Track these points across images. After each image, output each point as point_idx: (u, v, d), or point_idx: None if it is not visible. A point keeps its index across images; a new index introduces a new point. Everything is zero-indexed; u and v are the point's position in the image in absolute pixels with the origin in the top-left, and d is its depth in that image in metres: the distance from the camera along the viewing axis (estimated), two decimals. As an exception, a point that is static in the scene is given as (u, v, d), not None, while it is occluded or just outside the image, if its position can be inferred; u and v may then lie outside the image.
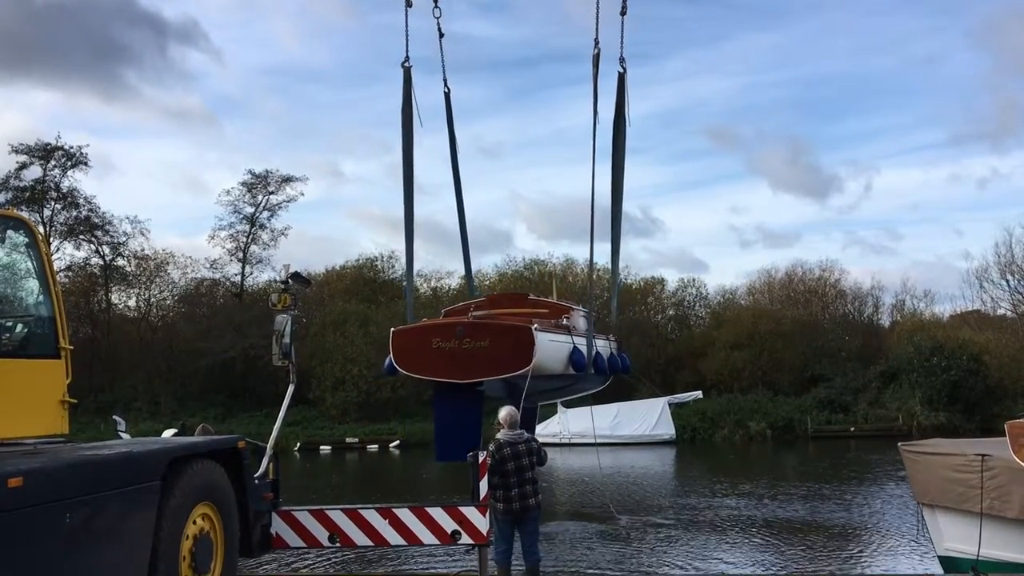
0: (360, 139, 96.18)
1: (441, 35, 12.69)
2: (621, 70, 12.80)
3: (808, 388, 49.82)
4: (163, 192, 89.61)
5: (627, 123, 12.92)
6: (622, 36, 12.56)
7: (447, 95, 12.92)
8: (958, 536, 10.77)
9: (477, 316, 11.15)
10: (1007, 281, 52.11)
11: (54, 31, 71.07)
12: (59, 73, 78.79)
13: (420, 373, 10.72)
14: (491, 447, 9.04)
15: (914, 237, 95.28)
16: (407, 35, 12.04)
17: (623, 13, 12.40)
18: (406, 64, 12.17)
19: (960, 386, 45.30)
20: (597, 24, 11.98)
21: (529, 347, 10.84)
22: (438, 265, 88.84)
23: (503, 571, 9.11)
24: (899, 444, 12.14)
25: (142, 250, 55.23)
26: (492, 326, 11.43)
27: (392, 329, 10.82)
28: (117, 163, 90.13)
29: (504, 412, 9.28)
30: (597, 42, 11.97)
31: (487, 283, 54.63)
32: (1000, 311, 53.75)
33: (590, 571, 13.79)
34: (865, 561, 14.61)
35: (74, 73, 79.11)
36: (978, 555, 10.36)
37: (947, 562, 11.07)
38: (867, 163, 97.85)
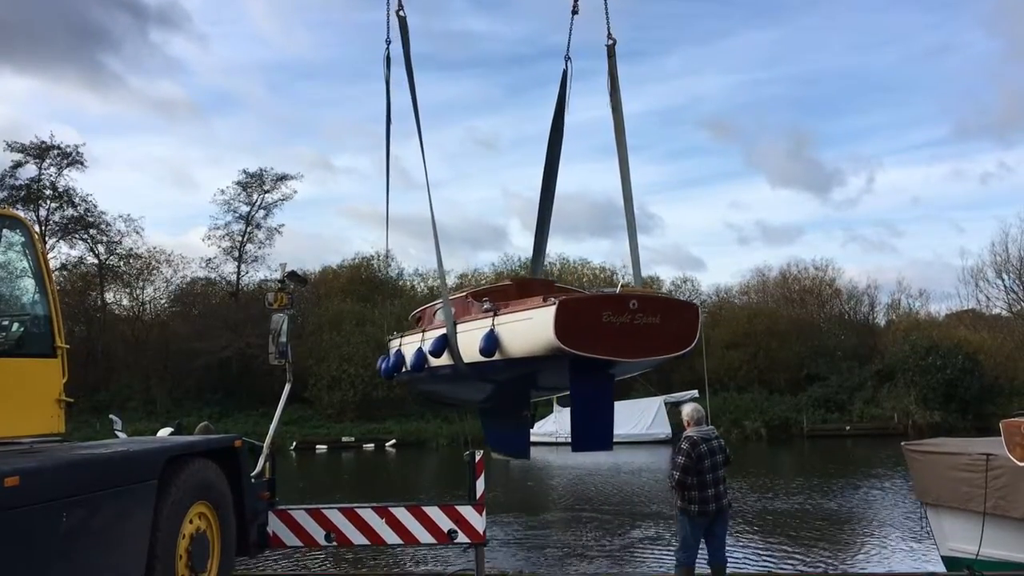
0: (350, 133, 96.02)
1: None
2: (564, 67, 12.81)
3: (804, 387, 49.93)
4: (149, 187, 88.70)
5: (564, 119, 12.65)
6: (570, 34, 12.55)
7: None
8: (962, 536, 10.72)
9: (630, 291, 10.17)
10: (1002, 280, 52.33)
11: (30, 14, 69.98)
12: (38, 60, 77.14)
13: (589, 351, 9.27)
14: (685, 445, 8.60)
15: (915, 235, 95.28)
16: None
17: (574, 12, 12.42)
18: (400, 13, 10.92)
19: (955, 385, 45.41)
20: (607, 16, 11.85)
21: (696, 325, 10.08)
22: (434, 263, 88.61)
23: (691, 574, 8.75)
24: (902, 444, 12.10)
25: (136, 248, 55.23)
26: (664, 301, 10.77)
27: (559, 299, 9.28)
28: (101, 157, 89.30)
29: (691, 408, 8.93)
30: (610, 34, 11.84)
31: (483, 282, 54.59)
32: (995, 310, 53.98)
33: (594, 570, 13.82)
34: (866, 559, 14.62)
35: (54, 60, 77.32)
36: (977, 554, 10.35)
37: (950, 562, 11.03)
38: (869, 158, 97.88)
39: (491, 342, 10.04)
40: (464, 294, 11.81)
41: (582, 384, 10.02)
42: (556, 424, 40.12)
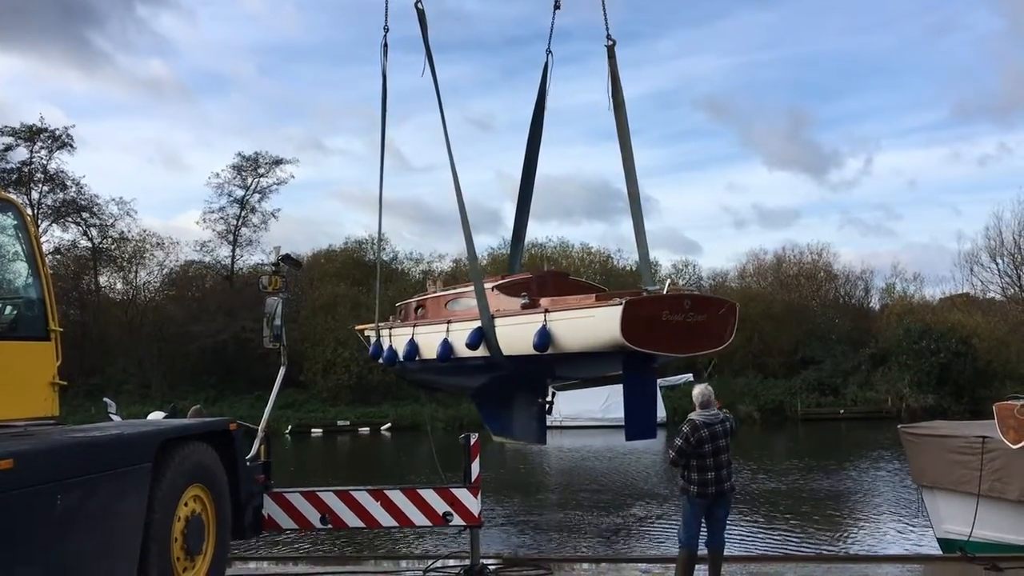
0: (343, 114, 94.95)
1: None
2: (546, 60, 12.75)
3: (798, 371, 50.07)
4: (138, 170, 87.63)
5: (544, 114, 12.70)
6: (551, 30, 12.50)
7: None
8: (957, 518, 10.77)
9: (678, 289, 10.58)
10: (996, 264, 52.41)
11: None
12: (22, 36, 75.81)
13: (651, 347, 9.81)
14: (685, 428, 8.74)
15: (912, 218, 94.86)
16: None
17: (557, 7, 12.37)
18: (419, 5, 11.05)
19: (949, 368, 45.57)
20: (606, 18, 11.75)
21: (734, 323, 10.58)
22: (429, 247, 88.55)
23: (691, 555, 8.83)
24: (898, 427, 12.13)
25: (129, 231, 54.98)
26: (712, 300, 11.37)
27: (625, 299, 9.69)
28: (89, 138, 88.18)
29: (697, 390, 9.03)
30: (609, 35, 11.74)
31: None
32: (990, 294, 54.11)
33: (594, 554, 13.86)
34: (861, 541, 14.70)
35: (38, 36, 75.99)
36: (970, 535, 10.41)
37: (946, 544, 11.09)
38: (867, 140, 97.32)
39: (545, 337, 10.26)
40: (490, 287, 11.83)
41: (635, 377, 10.54)
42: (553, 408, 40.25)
